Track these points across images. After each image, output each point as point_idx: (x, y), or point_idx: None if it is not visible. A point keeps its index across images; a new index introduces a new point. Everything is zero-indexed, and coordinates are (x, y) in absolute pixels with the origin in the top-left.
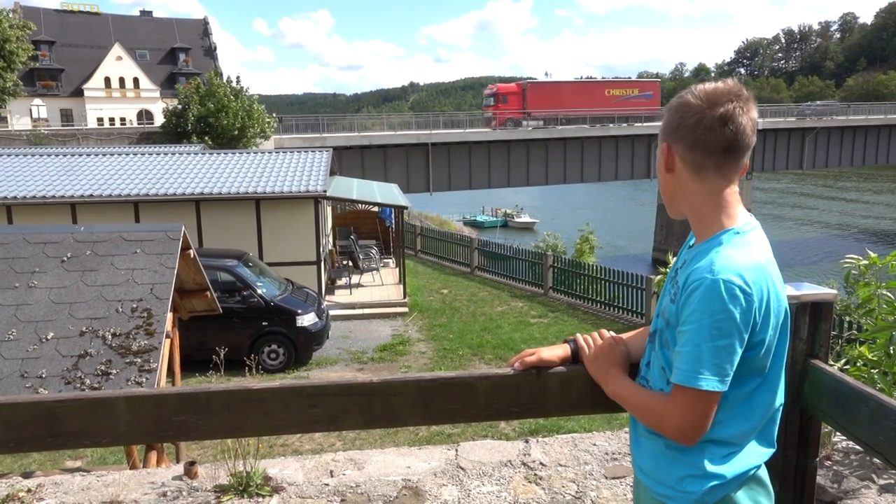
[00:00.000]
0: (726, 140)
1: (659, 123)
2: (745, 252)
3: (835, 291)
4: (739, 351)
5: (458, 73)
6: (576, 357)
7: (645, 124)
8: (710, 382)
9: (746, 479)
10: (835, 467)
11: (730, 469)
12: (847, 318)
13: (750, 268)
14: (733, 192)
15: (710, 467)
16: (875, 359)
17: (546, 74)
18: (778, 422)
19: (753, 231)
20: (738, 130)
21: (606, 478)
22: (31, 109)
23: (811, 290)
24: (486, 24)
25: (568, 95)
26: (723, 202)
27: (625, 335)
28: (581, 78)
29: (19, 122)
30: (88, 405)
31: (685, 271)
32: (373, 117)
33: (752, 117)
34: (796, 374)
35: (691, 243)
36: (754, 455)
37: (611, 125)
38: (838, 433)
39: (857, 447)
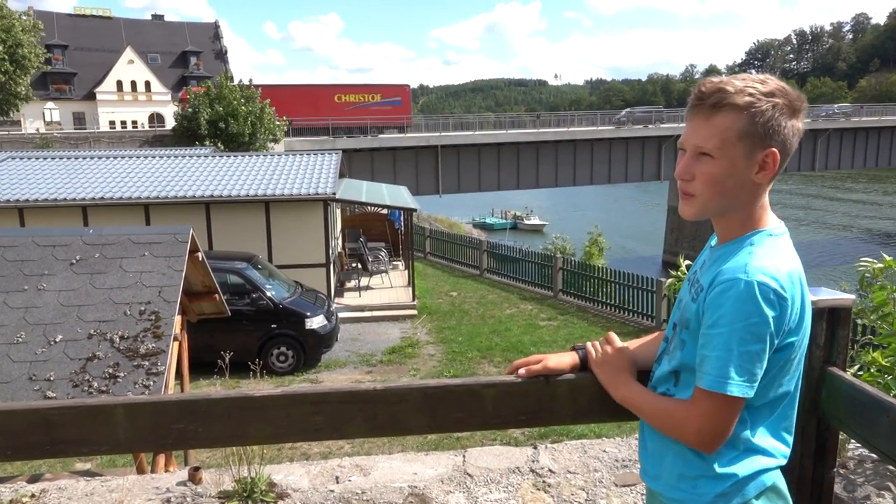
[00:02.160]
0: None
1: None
2: (780, 255)
3: (853, 297)
4: (767, 357)
5: (468, 75)
6: (584, 364)
7: (656, 126)
8: (740, 388)
9: (765, 489)
10: (850, 475)
11: (743, 469)
12: (861, 322)
13: (785, 271)
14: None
15: (720, 469)
16: (888, 364)
17: (556, 77)
18: (792, 427)
19: (784, 235)
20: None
21: (616, 485)
22: (44, 113)
23: (828, 295)
24: (494, 26)
25: (282, 102)
26: (765, 203)
27: (633, 342)
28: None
29: (33, 126)
30: (87, 412)
31: (710, 271)
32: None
33: None
34: (813, 382)
35: (713, 244)
36: (769, 458)
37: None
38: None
39: (872, 454)
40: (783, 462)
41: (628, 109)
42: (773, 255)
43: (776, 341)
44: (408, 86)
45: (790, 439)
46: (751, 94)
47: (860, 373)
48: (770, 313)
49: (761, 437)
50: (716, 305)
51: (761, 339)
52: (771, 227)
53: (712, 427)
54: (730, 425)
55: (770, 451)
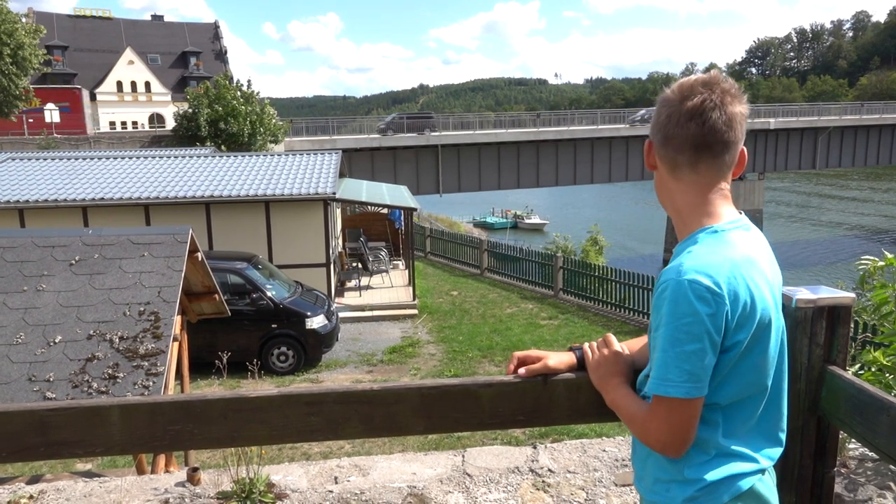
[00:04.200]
0: (693, 136)
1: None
2: (718, 250)
3: (852, 295)
4: (712, 355)
5: (467, 74)
6: (582, 365)
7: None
8: (678, 389)
9: (740, 494)
10: (851, 475)
11: (713, 474)
12: (860, 319)
13: (720, 266)
14: (717, 190)
15: (688, 474)
16: (890, 364)
17: (556, 76)
18: (777, 429)
19: (736, 230)
20: (707, 126)
21: (616, 485)
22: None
23: (828, 293)
24: (493, 25)
25: None
26: (703, 201)
27: (633, 343)
28: None
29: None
30: (82, 414)
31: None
32: (382, 119)
33: (729, 111)
34: (813, 381)
35: None
36: (746, 462)
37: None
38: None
39: (873, 454)
40: (765, 465)
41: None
42: (712, 252)
43: (718, 339)
44: (79, 89)
45: (779, 440)
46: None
47: (861, 372)
48: (703, 310)
49: (736, 441)
50: (656, 308)
51: (697, 339)
52: (720, 223)
53: (666, 430)
54: (686, 428)
55: (748, 456)
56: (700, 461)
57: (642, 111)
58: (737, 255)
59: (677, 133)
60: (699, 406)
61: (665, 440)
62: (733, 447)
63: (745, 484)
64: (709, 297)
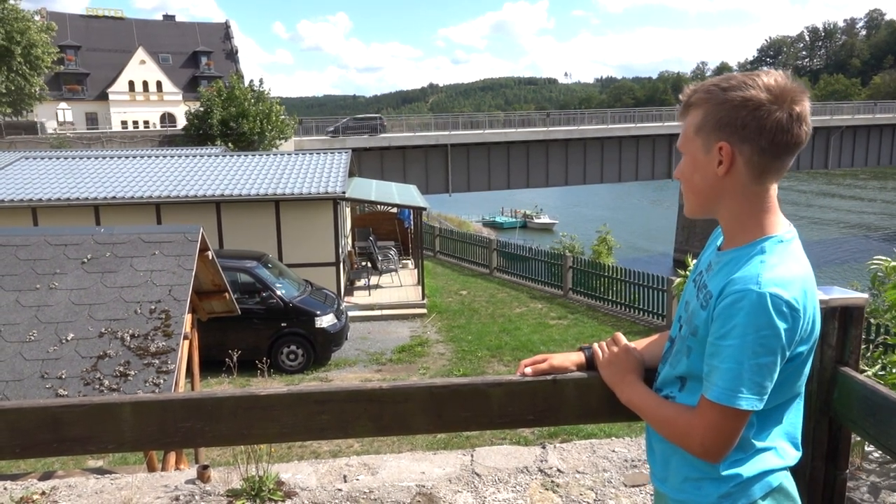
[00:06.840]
0: (798, 140)
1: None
2: (792, 264)
3: (866, 296)
4: (779, 368)
5: (477, 74)
6: (591, 364)
7: (666, 123)
8: (749, 401)
9: (771, 490)
10: (863, 477)
11: (748, 470)
12: (874, 321)
13: (795, 280)
14: (776, 194)
15: (724, 470)
16: None
17: (566, 75)
18: (799, 427)
19: (795, 240)
20: (809, 129)
21: (626, 486)
22: (57, 113)
23: (841, 294)
24: (502, 25)
25: None
26: (769, 205)
27: (640, 342)
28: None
29: (46, 126)
30: (94, 410)
31: (719, 277)
32: (392, 119)
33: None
34: (825, 382)
35: (719, 244)
36: (776, 458)
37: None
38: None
39: (889, 457)
40: (792, 463)
41: None
42: (784, 265)
43: (787, 353)
44: None
45: (799, 440)
46: (708, 92)
47: (882, 373)
48: (782, 326)
49: (769, 439)
50: (726, 316)
51: (772, 352)
52: (781, 231)
53: (717, 438)
54: (735, 436)
55: (778, 452)
56: (735, 458)
57: (344, 119)
58: (804, 269)
59: (785, 139)
60: (749, 416)
61: (710, 446)
62: (766, 444)
63: (774, 480)
64: (787, 312)
